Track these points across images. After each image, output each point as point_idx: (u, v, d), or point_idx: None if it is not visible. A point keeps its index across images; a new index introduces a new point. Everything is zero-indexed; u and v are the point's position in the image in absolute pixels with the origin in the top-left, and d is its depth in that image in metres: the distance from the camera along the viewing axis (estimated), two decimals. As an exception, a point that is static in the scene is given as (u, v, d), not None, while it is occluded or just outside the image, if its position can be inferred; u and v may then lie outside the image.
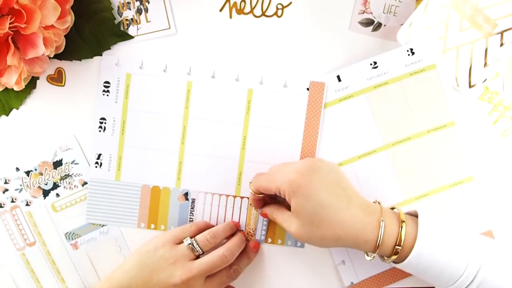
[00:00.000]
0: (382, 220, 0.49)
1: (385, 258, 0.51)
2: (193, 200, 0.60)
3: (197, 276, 0.53)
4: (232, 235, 0.59)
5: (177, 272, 0.53)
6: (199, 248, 0.55)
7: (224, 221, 0.60)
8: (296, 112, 0.59)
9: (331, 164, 0.53)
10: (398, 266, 0.50)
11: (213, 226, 0.59)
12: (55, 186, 0.60)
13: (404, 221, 0.50)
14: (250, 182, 0.56)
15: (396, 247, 0.49)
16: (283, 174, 0.51)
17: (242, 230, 0.60)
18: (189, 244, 0.55)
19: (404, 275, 0.59)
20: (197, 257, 0.55)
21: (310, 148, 0.59)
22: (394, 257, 0.49)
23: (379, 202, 0.53)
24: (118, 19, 0.59)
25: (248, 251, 0.59)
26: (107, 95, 0.59)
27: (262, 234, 0.60)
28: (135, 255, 0.56)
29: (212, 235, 0.56)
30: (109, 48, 0.59)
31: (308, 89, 0.59)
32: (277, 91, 0.59)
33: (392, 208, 0.54)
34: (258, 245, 0.60)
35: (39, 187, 0.60)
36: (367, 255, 0.51)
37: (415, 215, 0.52)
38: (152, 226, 0.60)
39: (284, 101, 0.59)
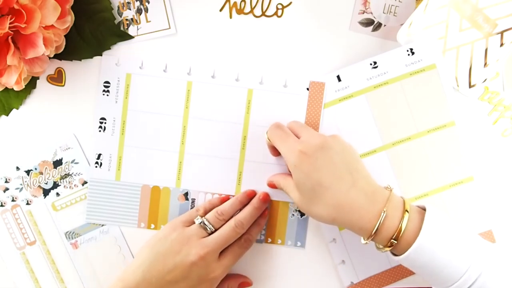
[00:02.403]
0: (384, 211, 0.48)
1: (380, 247, 0.50)
2: (193, 200, 0.60)
3: (213, 250, 0.53)
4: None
5: (192, 250, 0.52)
6: (210, 226, 0.55)
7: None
8: (296, 112, 0.59)
9: (346, 145, 0.52)
10: (396, 259, 0.49)
11: (219, 204, 0.58)
12: (55, 185, 0.60)
13: (407, 211, 0.48)
14: (267, 132, 0.55)
15: (392, 240, 0.48)
16: (291, 143, 0.51)
17: (267, 194, 0.58)
18: (200, 222, 0.55)
19: (404, 275, 0.59)
20: (209, 235, 0.55)
21: (310, 148, 0.59)
22: (388, 248, 0.49)
23: (391, 189, 0.51)
24: (118, 19, 0.59)
25: (257, 218, 0.58)
26: (107, 95, 0.59)
27: (262, 234, 0.60)
28: (145, 248, 0.55)
29: (220, 213, 0.56)
30: (109, 48, 0.59)
31: (308, 89, 0.59)
32: (277, 91, 0.59)
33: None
34: (268, 196, 0.59)
35: (39, 186, 0.60)
36: (363, 239, 0.51)
37: (423, 209, 0.50)
38: (152, 226, 0.60)
39: (284, 101, 0.59)
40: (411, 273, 0.59)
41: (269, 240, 0.60)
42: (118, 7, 0.59)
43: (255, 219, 0.57)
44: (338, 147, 0.51)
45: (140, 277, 0.52)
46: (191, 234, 0.54)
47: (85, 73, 0.60)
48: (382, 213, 0.48)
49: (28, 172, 0.60)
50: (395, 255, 0.50)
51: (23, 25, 0.50)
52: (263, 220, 0.59)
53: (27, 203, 0.60)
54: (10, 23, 0.50)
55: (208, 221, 0.55)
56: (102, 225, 0.60)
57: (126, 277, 0.53)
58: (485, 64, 0.57)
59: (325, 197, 0.49)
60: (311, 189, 0.49)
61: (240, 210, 0.58)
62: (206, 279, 0.53)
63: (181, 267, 0.52)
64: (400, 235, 0.48)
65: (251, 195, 0.59)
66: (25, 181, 0.60)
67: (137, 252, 0.56)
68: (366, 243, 0.50)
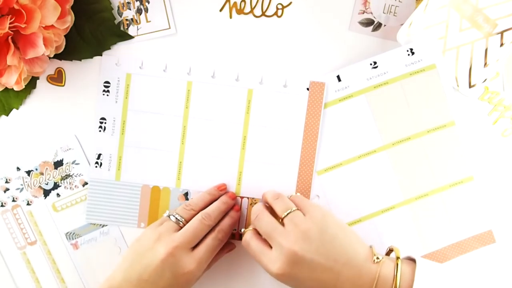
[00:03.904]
0: None
1: None
2: (193, 200, 0.60)
3: (181, 245, 0.52)
4: None
5: (161, 247, 0.52)
6: (180, 217, 0.54)
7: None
8: (296, 112, 0.59)
9: (318, 234, 0.50)
10: None
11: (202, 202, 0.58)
12: (56, 186, 0.60)
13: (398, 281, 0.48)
14: (244, 230, 0.54)
15: None
16: (268, 262, 0.50)
17: (231, 192, 0.59)
18: (169, 216, 0.55)
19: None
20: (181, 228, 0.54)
21: (310, 148, 0.59)
22: None
23: (379, 260, 0.50)
24: (118, 19, 0.59)
25: (229, 211, 0.58)
26: (107, 95, 0.60)
27: (262, 234, 0.60)
28: (127, 249, 0.56)
29: (188, 204, 0.56)
30: (109, 48, 0.59)
31: (308, 89, 0.59)
32: (277, 91, 0.59)
33: (390, 251, 0.52)
34: (234, 195, 0.59)
35: (39, 186, 0.60)
36: None
37: (413, 260, 0.50)
38: (152, 226, 0.60)
39: (284, 101, 0.59)
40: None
41: (269, 240, 0.60)
42: (118, 7, 0.59)
43: (224, 213, 0.57)
44: (311, 252, 0.49)
45: (122, 277, 0.52)
46: (163, 230, 0.54)
47: (85, 73, 0.60)
48: None
49: (28, 172, 0.60)
50: None
51: (23, 25, 0.50)
52: (235, 213, 0.58)
53: (28, 204, 0.60)
54: (10, 23, 0.50)
55: (178, 213, 0.55)
56: (102, 226, 0.60)
57: (112, 277, 0.53)
58: (485, 64, 0.57)
59: None
60: None
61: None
62: (180, 274, 0.52)
63: (153, 265, 0.52)
64: None
65: (221, 188, 0.59)
66: (26, 182, 0.60)
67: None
68: None
